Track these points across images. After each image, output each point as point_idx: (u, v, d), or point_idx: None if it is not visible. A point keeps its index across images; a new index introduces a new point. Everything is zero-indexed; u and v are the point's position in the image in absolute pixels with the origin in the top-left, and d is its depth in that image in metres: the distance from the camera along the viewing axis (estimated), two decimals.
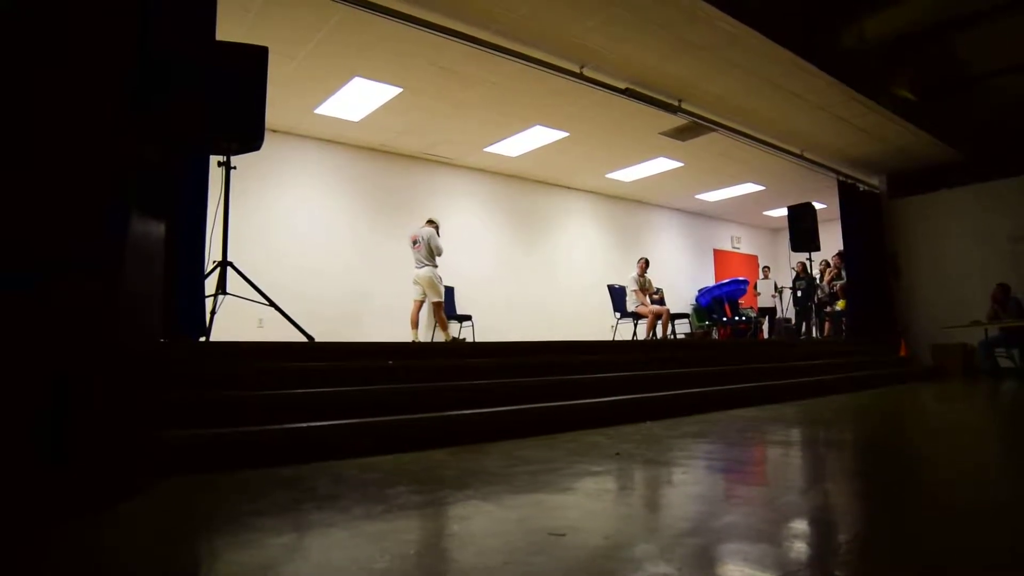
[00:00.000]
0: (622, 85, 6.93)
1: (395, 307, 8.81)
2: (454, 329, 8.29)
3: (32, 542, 1.64)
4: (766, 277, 12.42)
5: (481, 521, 1.95)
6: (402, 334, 8.76)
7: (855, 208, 10.35)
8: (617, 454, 3.01)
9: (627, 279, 9.46)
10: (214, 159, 4.25)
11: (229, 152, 4.31)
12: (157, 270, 2.46)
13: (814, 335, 10.75)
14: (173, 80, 2.47)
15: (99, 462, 2.00)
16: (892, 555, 1.53)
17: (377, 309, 8.57)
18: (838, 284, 10.74)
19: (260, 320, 6.25)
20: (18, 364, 1.79)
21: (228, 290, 4.27)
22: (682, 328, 11.13)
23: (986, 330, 8.70)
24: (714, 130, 8.16)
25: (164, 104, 2.39)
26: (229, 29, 5.08)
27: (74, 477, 1.89)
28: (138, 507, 2.09)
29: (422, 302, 7.58)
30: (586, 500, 2.17)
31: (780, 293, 11.76)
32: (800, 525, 1.87)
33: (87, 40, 2.09)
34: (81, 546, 1.70)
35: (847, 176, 10.31)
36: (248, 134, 4.18)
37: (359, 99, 7.26)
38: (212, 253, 4.15)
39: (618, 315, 9.55)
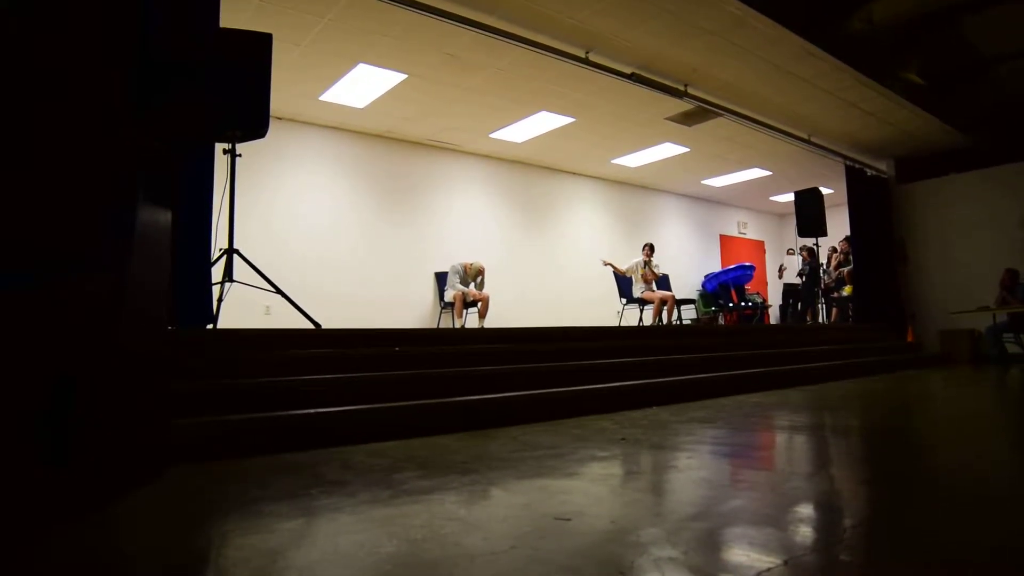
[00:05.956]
0: (628, 70, 6.89)
1: (401, 293, 8.86)
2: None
3: (33, 541, 1.65)
4: (791, 254, 12.16)
5: (487, 506, 1.96)
6: (408, 320, 8.80)
7: (862, 193, 10.29)
8: (623, 439, 3.02)
9: (631, 264, 9.46)
10: (219, 147, 4.25)
11: (234, 140, 4.31)
12: (164, 264, 2.46)
13: (820, 321, 10.72)
14: (173, 79, 2.46)
15: (103, 461, 2.02)
16: (898, 541, 1.54)
17: (383, 295, 8.59)
18: (845, 270, 10.69)
19: (267, 308, 6.28)
20: (21, 364, 1.80)
21: (235, 278, 4.28)
22: (688, 314, 11.12)
23: (994, 316, 8.66)
24: (720, 115, 8.10)
25: (162, 104, 2.38)
26: (233, 16, 5.07)
27: (76, 477, 1.90)
28: (145, 496, 2.12)
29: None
30: (592, 485, 2.18)
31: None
32: (805, 510, 1.88)
33: (88, 37, 2.09)
34: (85, 539, 1.72)
35: (854, 161, 10.24)
36: (253, 122, 4.18)
37: (364, 86, 7.23)
38: (218, 241, 4.16)
39: (624, 301, 9.55)
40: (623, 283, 9.58)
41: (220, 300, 4.12)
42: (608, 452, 2.75)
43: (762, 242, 15.10)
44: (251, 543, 1.58)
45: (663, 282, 9.92)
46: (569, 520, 1.70)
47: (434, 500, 1.96)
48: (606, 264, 9.40)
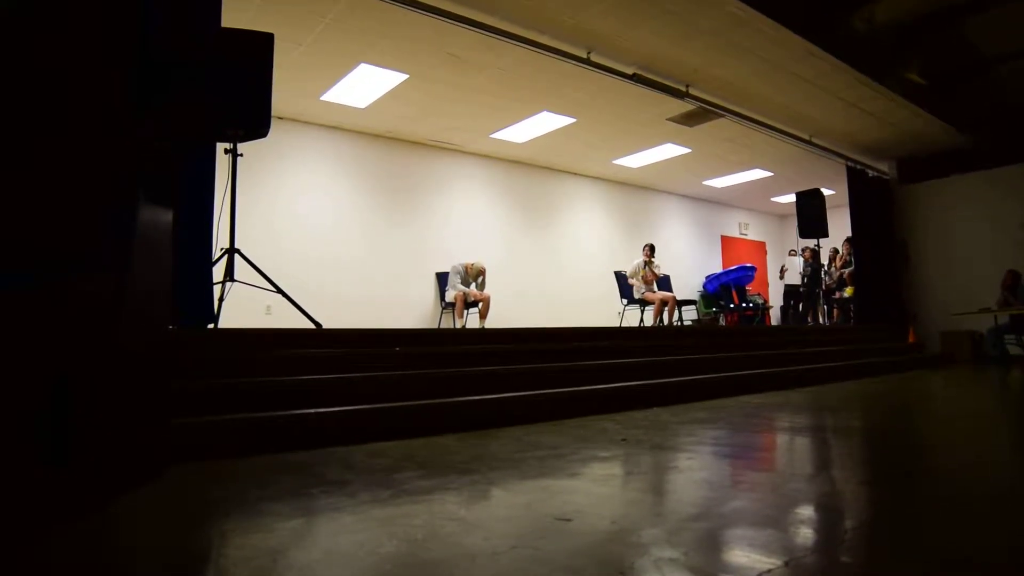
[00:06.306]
0: (629, 70, 6.88)
1: (402, 293, 8.86)
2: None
3: (33, 541, 1.65)
4: (793, 255, 12.12)
5: (488, 506, 1.96)
6: (409, 321, 8.80)
7: (864, 194, 10.28)
8: (624, 440, 3.02)
9: (633, 265, 9.46)
10: (221, 146, 4.25)
11: (235, 139, 4.31)
12: (165, 263, 2.46)
13: (821, 322, 10.71)
14: (173, 79, 2.46)
15: (103, 461, 2.02)
16: (898, 542, 1.53)
17: (384, 295, 8.60)
18: (847, 271, 10.68)
19: (268, 307, 6.28)
20: (21, 364, 1.80)
21: (236, 277, 4.28)
22: (689, 315, 11.12)
23: (995, 317, 8.65)
24: (722, 116, 8.10)
25: (162, 104, 2.38)
26: (235, 16, 5.07)
27: (76, 477, 1.90)
28: (145, 496, 2.11)
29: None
30: (593, 485, 2.18)
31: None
32: (806, 511, 1.87)
33: (88, 37, 2.09)
34: (85, 539, 1.72)
35: (856, 162, 10.23)
36: (254, 121, 4.18)
37: (365, 85, 7.23)
38: (219, 240, 4.16)
39: (625, 302, 9.54)
40: (624, 284, 9.57)
41: (221, 299, 4.12)
42: (609, 452, 2.75)
43: (763, 243, 15.10)
44: (251, 542, 1.57)
45: (664, 283, 9.91)
46: (570, 520, 1.69)
47: (435, 500, 1.95)
48: (631, 280, 9.39)
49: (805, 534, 1.65)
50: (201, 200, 3.87)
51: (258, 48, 4.13)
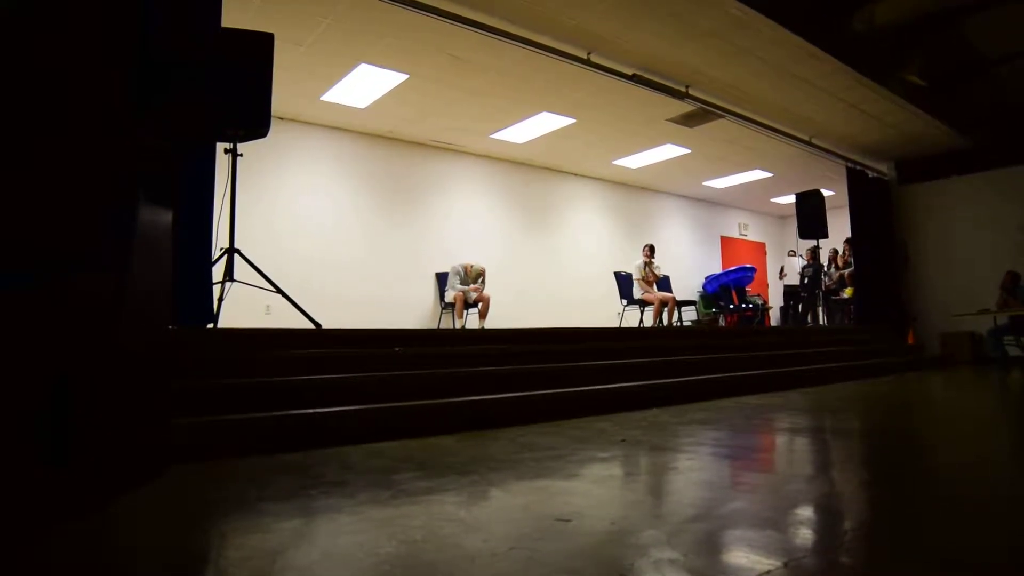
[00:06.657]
0: (629, 71, 6.88)
1: (402, 294, 8.85)
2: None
3: (33, 541, 1.65)
4: (793, 255, 12.10)
5: (487, 507, 1.96)
6: (408, 321, 8.80)
7: (864, 195, 10.28)
8: (623, 440, 3.02)
9: (632, 266, 9.46)
10: (220, 146, 4.25)
11: (235, 139, 4.31)
12: (164, 263, 2.46)
13: (820, 323, 10.71)
14: (173, 79, 2.46)
15: (103, 461, 2.02)
16: (898, 543, 1.53)
17: (384, 296, 8.59)
18: (846, 272, 10.69)
19: (267, 307, 6.27)
20: (21, 364, 1.80)
21: (235, 277, 4.28)
22: (689, 315, 11.12)
23: (995, 318, 8.65)
24: (722, 116, 8.10)
25: (162, 104, 2.38)
26: (236, 16, 5.07)
27: (76, 477, 1.90)
28: (145, 496, 2.11)
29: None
30: (592, 486, 2.18)
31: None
32: (805, 512, 1.87)
33: (88, 37, 2.09)
34: (85, 539, 1.72)
35: (856, 163, 10.23)
36: (254, 121, 4.18)
37: (365, 86, 7.23)
38: (219, 240, 4.16)
39: (624, 302, 9.54)
40: (623, 284, 9.57)
41: (221, 299, 4.12)
42: (608, 453, 2.74)
43: (763, 244, 15.09)
44: (251, 543, 1.57)
45: (664, 283, 9.91)
46: (569, 521, 1.69)
47: (434, 501, 1.95)
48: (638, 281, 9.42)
49: (804, 535, 1.65)
50: (201, 200, 3.87)
51: (258, 48, 4.13)
